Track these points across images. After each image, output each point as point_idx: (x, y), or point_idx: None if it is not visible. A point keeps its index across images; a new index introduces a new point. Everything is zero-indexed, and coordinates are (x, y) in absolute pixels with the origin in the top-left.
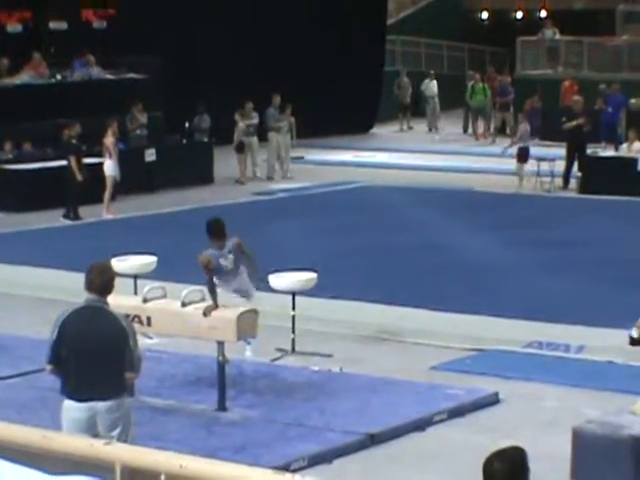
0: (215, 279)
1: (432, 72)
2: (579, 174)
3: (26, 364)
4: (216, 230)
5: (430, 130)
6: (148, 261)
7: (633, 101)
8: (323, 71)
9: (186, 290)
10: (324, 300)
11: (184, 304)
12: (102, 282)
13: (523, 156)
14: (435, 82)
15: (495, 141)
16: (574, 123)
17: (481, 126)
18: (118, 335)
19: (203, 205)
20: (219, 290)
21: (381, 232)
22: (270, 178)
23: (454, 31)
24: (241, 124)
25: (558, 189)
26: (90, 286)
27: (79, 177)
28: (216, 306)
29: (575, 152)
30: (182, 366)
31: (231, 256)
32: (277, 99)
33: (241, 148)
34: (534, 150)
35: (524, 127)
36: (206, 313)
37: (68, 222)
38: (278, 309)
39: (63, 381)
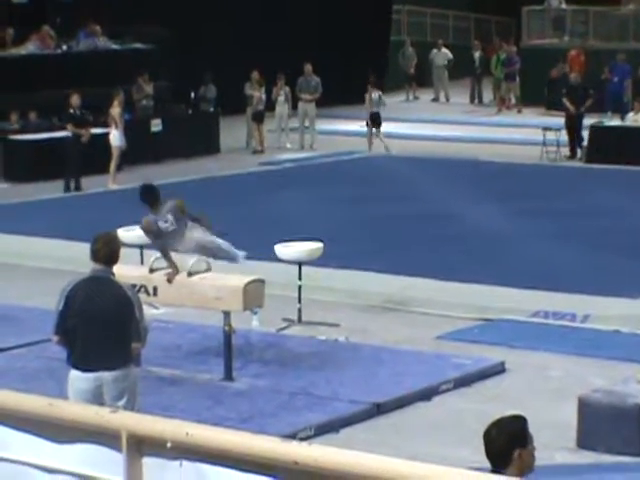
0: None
1: (441, 42)
2: (584, 144)
3: (32, 334)
4: (146, 195)
5: (436, 100)
6: None
7: None
8: (329, 41)
9: (192, 260)
10: (330, 270)
11: (190, 274)
12: (108, 252)
13: (374, 121)
14: (445, 52)
15: (502, 110)
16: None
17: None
18: (124, 305)
19: (209, 175)
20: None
21: (387, 202)
22: (302, 147)
23: (460, 1)
24: (258, 94)
25: (564, 158)
26: (96, 256)
27: (85, 138)
28: (176, 270)
29: (572, 122)
30: (188, 336)
31: (170, 217)
32: (308, 67)
33: (260, 117)
34: (540, 120)
35: (374, 94)
36: (170, 280)
37: (67, 194)
38: (284, 279)
39: (69, 351)
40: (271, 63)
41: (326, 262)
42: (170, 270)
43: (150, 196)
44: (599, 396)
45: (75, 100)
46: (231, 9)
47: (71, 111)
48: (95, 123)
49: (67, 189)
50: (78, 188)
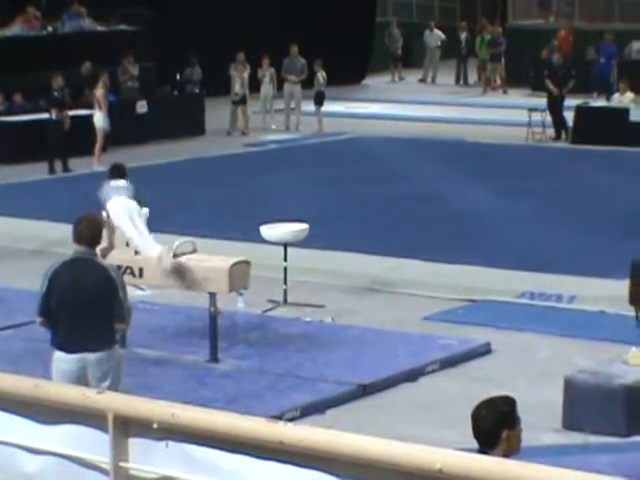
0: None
1: (433, 23)
2: (570, 125)
3: (19, 316)
4: (115, 171)
5: (424, 80)
6: None
7: None
8: (315, 22)
9: (178, 241)
10: (316, 251)
11: (176, 255)
12: (91, 234)
13: (319, 99)
14: (437, 33)
15: (487, 91)
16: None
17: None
18: (107, 286)
19: (194, 156)
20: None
21: (373, 183)
22: (287, 129)
23: None
24: (244, 75)
25: (550, 139)
26: (79, 238)
27: (67, 125)
28: (112, 246)
29: (554, 104)
30: (174, 317)
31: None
32: (294, 49)
33: (244, 100)
34: (526, 101)
35: (320, 74)
36: (105, 255)
37: (53, 176)
38: (270, 260)
39: (53, 333)
40: (256, 44)
41: (311, 243)
42: (106, 245)
43: (117, 173)
44: (585, 377)
45: (58, 82)
46: None
47: (55, 94)
48: (78, 105)
49: (52, 171)
50: (66, 169)
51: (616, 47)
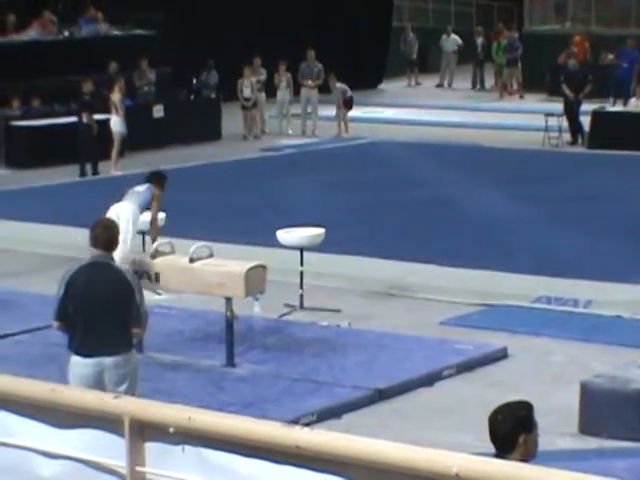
0: None
1: (450, 28)
2: (586, 129)
3: (35, 320)
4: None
5: (440, 85)
6: None
7: None
8: (331, 27)
9: (194, 246)
10: (332, 256)
11: (192, 260)
12: (108, 238)
13: (347, 104)
14: (455, 37)
15: (504, 96)
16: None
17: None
18: (124, 291)
19: (211, 161)
20: None
21: (389, 187)
22: (304, 133)
23: None
24: (253, 80)
25: (566, 144)
26: (96, 242)
27: (94, 130)
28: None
29: (570, 109)
30: (190, 322)
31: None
32: (311, 54)
33: (255, 104)
34: (542, 105)
35: (339, 84)
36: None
37: (83, 178)
38: (286, 265)
39: (70, 337)
40: (272, 49)
41: (328, 248)
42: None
43: (155, 176)
44: (601, 381)
45: (88, 86)
46: None
47: (86, 98)
48: (106, 108)
49: (82, 174)
50: (95, 173)
51: (637, 52)
